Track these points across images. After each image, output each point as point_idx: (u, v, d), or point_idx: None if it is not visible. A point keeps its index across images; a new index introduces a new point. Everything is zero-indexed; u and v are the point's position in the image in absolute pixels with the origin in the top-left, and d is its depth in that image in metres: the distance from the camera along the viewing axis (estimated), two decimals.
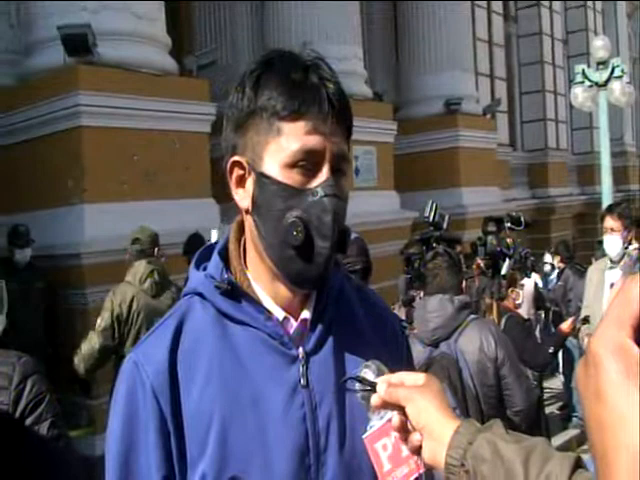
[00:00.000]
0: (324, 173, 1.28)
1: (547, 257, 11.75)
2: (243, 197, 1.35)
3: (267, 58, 1.33)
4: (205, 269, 1.40)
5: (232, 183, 1.36)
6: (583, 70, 12.11)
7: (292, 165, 1.27)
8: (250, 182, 1.33)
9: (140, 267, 5.77)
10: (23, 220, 7.22)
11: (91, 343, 5.61)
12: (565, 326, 5.77)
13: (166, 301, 5.64)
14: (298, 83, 1.27)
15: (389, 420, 1.20)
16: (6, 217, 7.65)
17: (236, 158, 1.33)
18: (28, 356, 1.96)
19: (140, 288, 5.68)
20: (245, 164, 1.32)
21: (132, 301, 5.63)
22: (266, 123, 1.28)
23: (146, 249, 5.89)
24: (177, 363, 1.30)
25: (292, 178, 1.28)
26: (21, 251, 6.97)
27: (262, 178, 1.30)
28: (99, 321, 5.66)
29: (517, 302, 5.86)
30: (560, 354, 8.89)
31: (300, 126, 1.27)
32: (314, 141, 1.27)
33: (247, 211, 1.35)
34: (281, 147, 1.27)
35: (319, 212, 1.27)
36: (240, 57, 11.60)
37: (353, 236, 4.73)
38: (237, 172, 1.34)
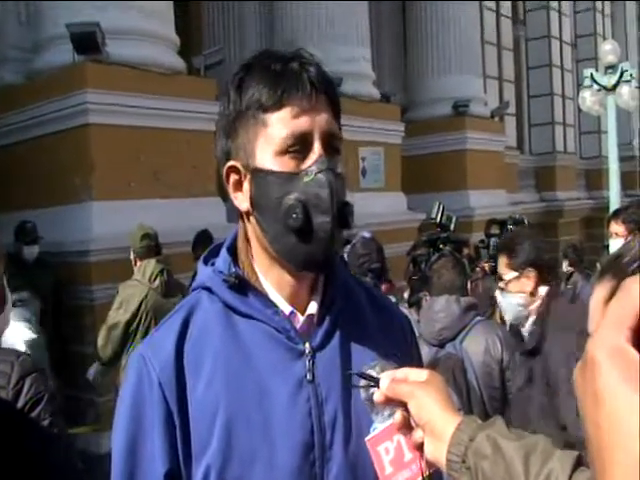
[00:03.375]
0: (316, 151, 1.28)
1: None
2: (242, 199, 1.35)
3: (248, 61, 1.36)
4: (213, 264, 1.41)
5: (230, 189, 1.37)
6: (591, 74, 12.07)
7: (284, 152, 1.28)
8: (247, 183, 1.33)
9: (149, 265, 5.68)
10: (31, 217, 7.24)
11: (99, 336, 5.61)
12: None
13: (175, 301, 5.57)
14: (278, 73, 1.29)
15: (392, 423, 1.20)
16: (14, 214, 7.66)
17: (231, 163, 1.35)
18: (27, 354, 1.95)
19: (150, 287, 5.63)
20: (240, 167, 1.33)
21: (142, 300, 5.58)
22: (253, 119, 1.29)
23: (153, 246, 5.85)
24: (184, 356, 1.31)
25: (285, 164, 1.28)
26: (29, 247, 6.99)
27: (257, 173, 1.30)
28: (108, 318, 5.64)
29: None
30: None
31: (285, 112, 1.27)
32: (301, 123, 1.27)
33: (248, 212, 1.36)
34: (270, 137, 1.28)
35: (316, 189, 1.27)
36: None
37: (368, 235, 4.75)
38: (233, 177, 1.35)
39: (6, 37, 8.87)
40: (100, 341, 5.61)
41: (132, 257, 5.88)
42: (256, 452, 1.27)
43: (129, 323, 5.53)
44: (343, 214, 1.29)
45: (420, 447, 1.16)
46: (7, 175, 8.07)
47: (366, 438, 1.23)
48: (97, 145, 7.39)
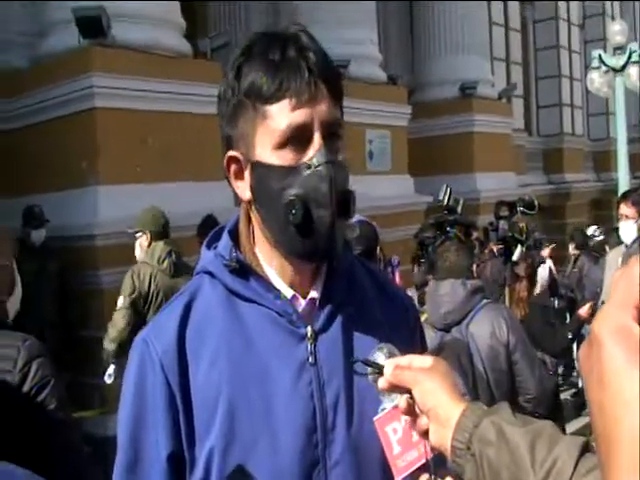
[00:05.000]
0: (316, 143, 1.27)
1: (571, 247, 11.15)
2: (244, 188, 1.35)
3: (248, 43, 1.33)
4: (216, 248, 1.41)
5: (232, 177, 1.37)
6: (600, 55, 12.00)
7: (283, 145, 1.27)
8: (247, 173, 1.34)
9: (157, 248, 5.81)
10: (37, 201, 7.24)
11: (116, 325, 5.65)
12: (583, 311, 5.74)
13: (184, 282, 5.61)
14: (277, 62, 1.27)
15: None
16: (22, 199, 7.66)
17: (231, 153, 1.35)
18: (34, 339, 1.94)
19: (159, 268, 5.72)
20: (240, 157, 1.33)
21: (151, 280, 5.67)
22: (252, 110, 1.29)
23: (164, 231, 5.92)
24: (186, 340, 1.32)
25: (285, 158, 1.28)
26: (37, 232, 7.02)
27: (257, 166, 1.30)
28: (120, 301, 5.69)
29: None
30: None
31: (284, 104, 1.26)
32: (300, 115, 1.26)
33: (249, 202, 1.36)
34: (269, 130, 1.27)
35: (316, 183, 1.26)
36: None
37: (358, 219, 4.71)
38: (234, 166, 1.36)
39: (11, 21, 8.83)
40: (118, 325, 5.63)
41: (139, 235, 5.92)
42: (258, 436, 1.28)
43: (144, 299, 5.66)
44: (344, 203, 1.29)
45: (425, 434, 1.15)
46: (14, 160, 8.06)
47: (374, 418, 1.24)
48: (103, 129, 7.38)
